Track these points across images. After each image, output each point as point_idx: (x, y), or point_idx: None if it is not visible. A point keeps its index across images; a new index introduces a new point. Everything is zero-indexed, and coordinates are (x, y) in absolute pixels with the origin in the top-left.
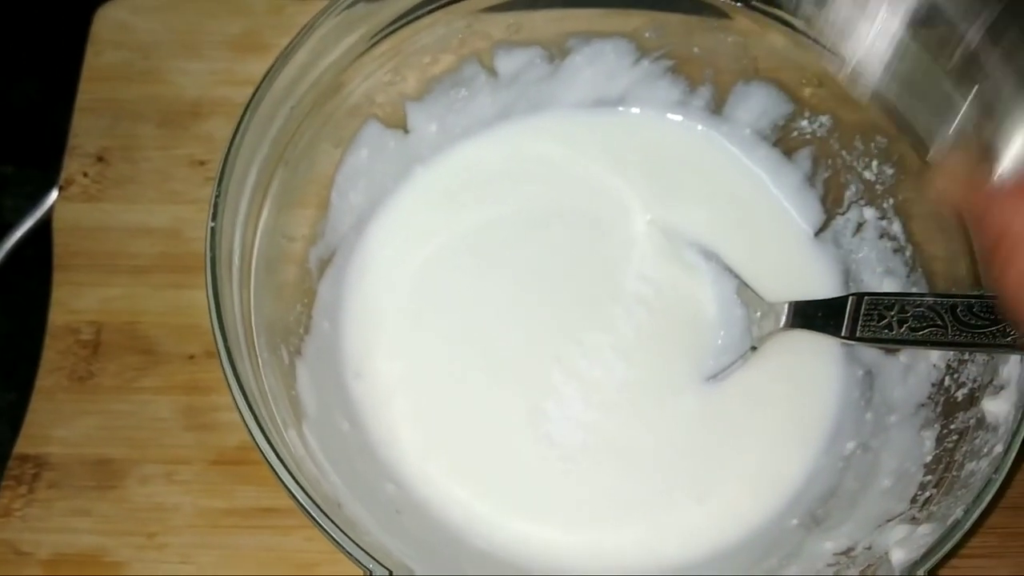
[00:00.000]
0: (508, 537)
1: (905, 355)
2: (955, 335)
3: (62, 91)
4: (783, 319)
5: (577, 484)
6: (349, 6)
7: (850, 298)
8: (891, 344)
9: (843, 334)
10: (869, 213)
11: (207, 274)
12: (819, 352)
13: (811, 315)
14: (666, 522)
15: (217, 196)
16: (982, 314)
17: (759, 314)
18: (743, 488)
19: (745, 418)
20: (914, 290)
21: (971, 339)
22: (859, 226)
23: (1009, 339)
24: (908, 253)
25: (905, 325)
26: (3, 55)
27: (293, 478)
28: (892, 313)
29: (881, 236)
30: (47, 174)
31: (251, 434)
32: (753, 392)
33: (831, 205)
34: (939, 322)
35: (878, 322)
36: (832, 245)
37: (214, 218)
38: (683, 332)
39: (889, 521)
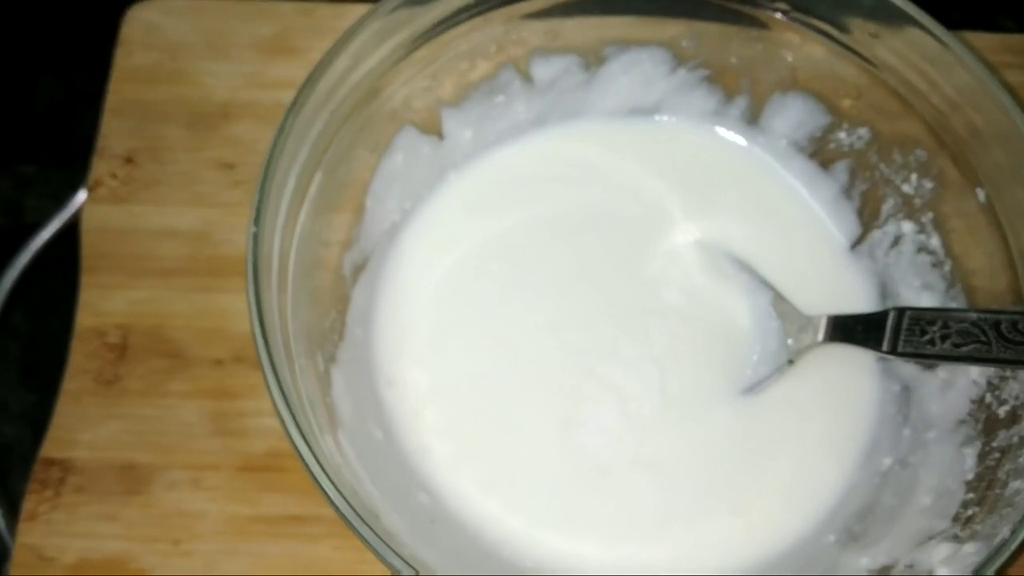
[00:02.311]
0: (542, 552)
1: (943, 371)
2: (999, 352)
3: (84, 91)
4: (821, 333)
5: (612, 498)
6: (391, 11)
7: (891, 312)
8: (933, 359)
9: (884, 348)
10: (907, 227)
11: (249, 280)
12: (854, 367)
13: (851, 329)
14: (702, 535)
15: (259, 201)
16: None
17: (796, 327)
18: (779, 502)
19: (780, 431)
20: (953, 305)
21: (1015, 356)
22: (896, 239)
23: None
24: (947, 268)
25: (948, 341)
26: (25, 55)
27: (335, 487)
28: (934, 328)
29: (919, 250)
30: (70, 174)
31: (293, 442)
32: (788, 406)
33: (868, 218)
34: (983, 338)
35: (920, 337)
36: (868, 258)
37: (256, 223)
38: (718, 344)
39: (931, 539)
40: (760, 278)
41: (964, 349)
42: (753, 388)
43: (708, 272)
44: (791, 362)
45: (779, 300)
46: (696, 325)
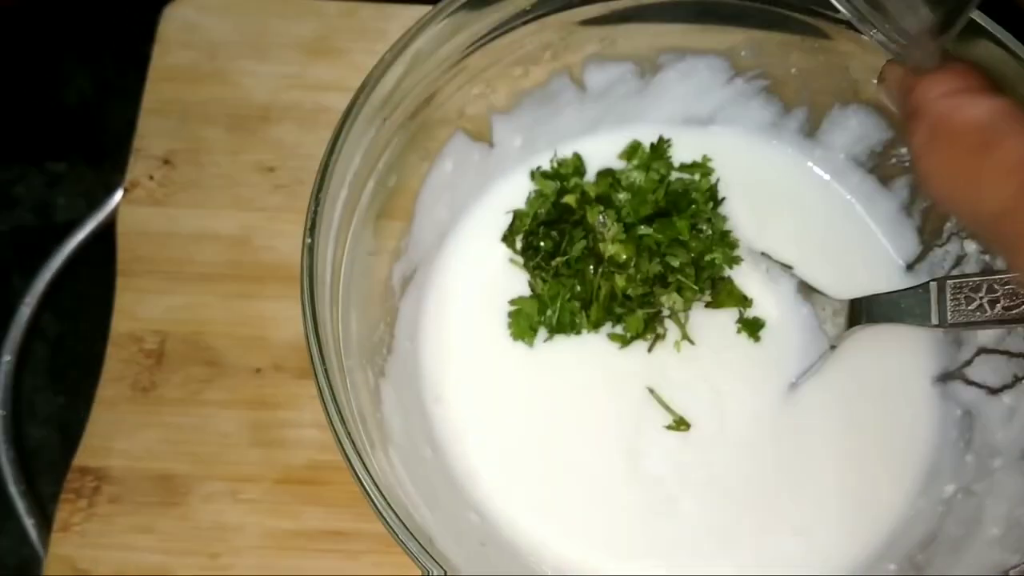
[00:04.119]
0: None
1: (1009, 396)
2: None
3: (116, 88)
4: (863, 314)
5: (678, 521)
6: (446, 16)
7: (932, 284)
8: (987, 326)
9: (933, 322)
10: (970, 246)
11: (303, 291)
12: (912, 387)
13: (891, 306)
14: (765, 554)
15: (315, 211)
16: None
17: (830, 312)
18: (839, 522)
19: (839, 450)
20: (1021, 330)
21: None
22: (959, 260)
23: None
24: None
25: (997, 305)
26: (55, 50)
27: (391, 507)
28: (981, 295)
29: (989, 271)
30: (101, 173)
31: (348, 459)
32: (844, 425)
33: (928, 236)
34: None
35: (967, 306)
36: (926, 278)
37: (311, 234)
38: (762, 347)
39: (1003, 574)
40: (781, 265)
41: (1017, 311)
42: (798, 381)
43: (751, 278)
44: (833, 347)
45: (804, 287)
46: (735, 331)
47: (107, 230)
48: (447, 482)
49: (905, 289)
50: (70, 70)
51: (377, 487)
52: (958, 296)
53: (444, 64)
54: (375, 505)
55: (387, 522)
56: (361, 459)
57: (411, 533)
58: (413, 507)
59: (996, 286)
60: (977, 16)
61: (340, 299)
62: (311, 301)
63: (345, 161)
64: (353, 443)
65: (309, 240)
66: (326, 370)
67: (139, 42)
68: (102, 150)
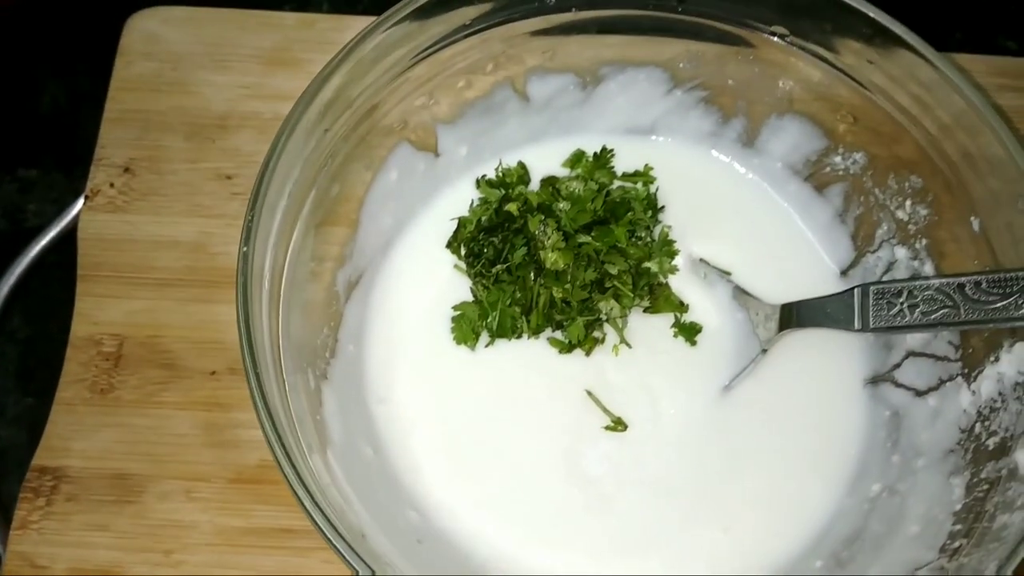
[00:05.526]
0: (532, 569)
1: (934, 398)
2: (968, 314)
3: (88, 96)
4: (792, 319)
5: (609, 517)
6: (389, 28)
7: (855, 290)
8: (906, 331)
9: (856, 327)
10: (901, 252)
11: (238, 298)
12: (844, 389)
13: (818, 311)
14: (694, 550)
15: (250, 220)
16: (991, 290)
17: (763, 317)
18: (767, 519)
19: (769, 448)
20: (946, 335)
21: (984, 316)
22: (890, 265)
23: (1023, 312)
24: None
25: (916, 310)
26: (29, 59)
27: (317, 505)
28: (901, 300)
29: (912, 277)
30: (72, 181)
31: (278, 462)
32: (777, 422)
33: (861, 243)
34: (949, 303)
35: (888, 311)
36: (859, 283)
37: (246, 242)
38: (698, 351)
39: (918, 570)
40: (719, 271)
41: (934, 316)
42: (731, 383)
43: (691, 285)
44: (764, 351)
45: (739, 292)
46: (672, 335)
47: (74, 235)
48: (387, 481)
49: (831, 295)
50: (44, 79)
51: (304, 485)
52: (880, 302)
53: (387, 75)
54: (302, 504)
55: (314, 520)
56: (291, 462)
57: (338, 532)
58: (348, 506)
59: (916, 292)
60: (897, 28)
61: (280, 304)
62: (245, 307)
63: (284, 170)
64: (282, 443)
65: (245, 248)
66: (258, 374)
67: (112, 53)
68: (73, 157)
